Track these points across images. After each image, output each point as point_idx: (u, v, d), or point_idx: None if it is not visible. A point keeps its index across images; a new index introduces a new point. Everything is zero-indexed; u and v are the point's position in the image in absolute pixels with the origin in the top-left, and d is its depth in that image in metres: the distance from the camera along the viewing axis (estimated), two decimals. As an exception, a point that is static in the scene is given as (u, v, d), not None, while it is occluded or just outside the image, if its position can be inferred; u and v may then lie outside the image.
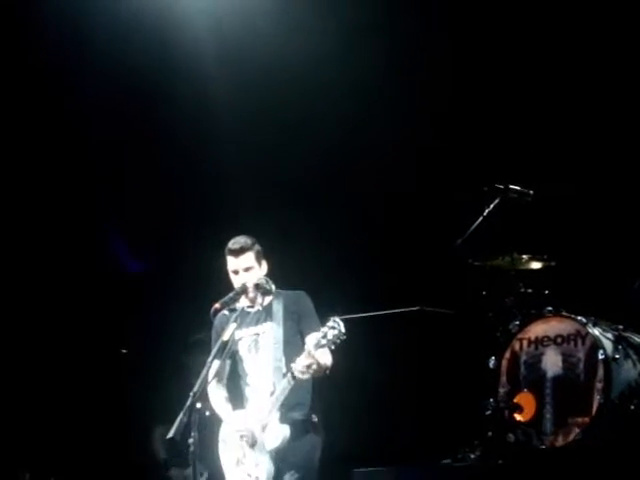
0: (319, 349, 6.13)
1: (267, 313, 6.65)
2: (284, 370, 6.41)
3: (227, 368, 6.78)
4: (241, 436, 6.55)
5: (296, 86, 9.35)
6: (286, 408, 6.48)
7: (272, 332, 6.58)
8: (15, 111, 9.46)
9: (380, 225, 9.27)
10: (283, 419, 6.47)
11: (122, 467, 9.11)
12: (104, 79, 9.33)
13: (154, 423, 9.37)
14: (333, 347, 6.17)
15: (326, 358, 6.34)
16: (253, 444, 6.50)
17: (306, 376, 6.28)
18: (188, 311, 8.56)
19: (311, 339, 6.30)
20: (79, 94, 9.38)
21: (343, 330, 6.09)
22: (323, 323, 6.25)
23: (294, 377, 6.28)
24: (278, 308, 6.61)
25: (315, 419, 6.58)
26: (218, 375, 6.66)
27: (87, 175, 9.65)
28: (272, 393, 6.45)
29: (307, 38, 9.23)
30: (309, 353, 6.18)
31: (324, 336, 6.09)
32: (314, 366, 6.23)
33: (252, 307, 6.66)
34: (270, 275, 6.76)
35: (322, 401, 6.69)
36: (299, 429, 6.50)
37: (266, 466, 6.46)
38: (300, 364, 6.23)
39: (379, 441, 8.01)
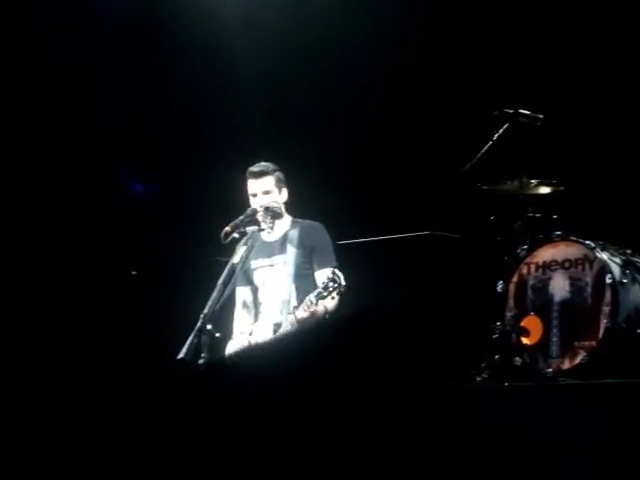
0: (319, 300, 6.22)
1: (282, 245, 6.69)
2: (294, 304, 6.49)
3: (250, 294, 6.85)
4: None
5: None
6: None
7: (285, 265, 6.63)
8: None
9: (388, 149, 9.24)
10: None
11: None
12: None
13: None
14: (333, 298, 6.25)
15: (327, 303, 6.40)
16: None
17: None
18: (200, 234, 8.59)
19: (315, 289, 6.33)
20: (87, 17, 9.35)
21: (343, 283, 6.16)
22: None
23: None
24: (293, 240, 6.64)
25: None
26: (243, 301, 6.78)
27: (98, 102, 9.60)
28: (277, 328, 6.52)
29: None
30: (309, 303, 6.26)
31: (325, 287, 6.16)
32: (309, 319, 6.32)
33: (269, 236, 6.70)
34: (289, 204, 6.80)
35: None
36: None
37: None
38: (297, 316, 6.32)
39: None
